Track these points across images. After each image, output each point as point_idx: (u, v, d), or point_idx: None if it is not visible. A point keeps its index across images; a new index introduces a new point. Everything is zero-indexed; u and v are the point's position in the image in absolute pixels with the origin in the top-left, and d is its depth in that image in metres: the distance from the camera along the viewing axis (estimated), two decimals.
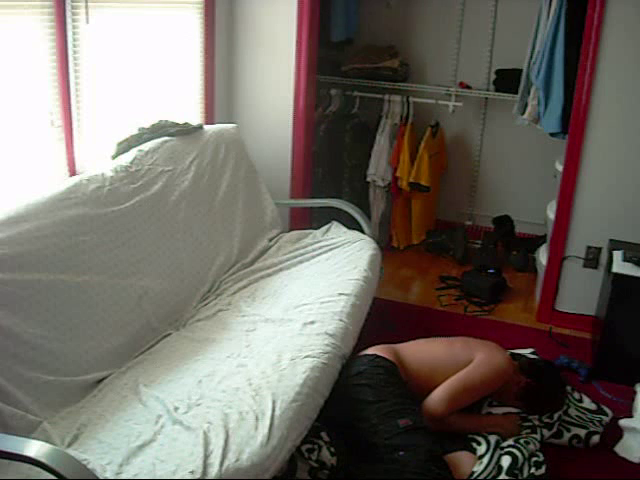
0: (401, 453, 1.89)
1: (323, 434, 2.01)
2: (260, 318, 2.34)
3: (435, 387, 2.20)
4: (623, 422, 2.42)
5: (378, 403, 2.03)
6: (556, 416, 2.33)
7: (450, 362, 2.26)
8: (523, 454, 2.05)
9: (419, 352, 2.33)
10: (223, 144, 2.96)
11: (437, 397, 2.16)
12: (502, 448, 2.08)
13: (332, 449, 1.99)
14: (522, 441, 2.12)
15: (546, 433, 2.28)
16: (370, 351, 2.26)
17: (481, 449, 2.09)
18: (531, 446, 2.11)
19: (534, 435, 2.19)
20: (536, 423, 2.26)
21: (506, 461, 2.02)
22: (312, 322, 2.26)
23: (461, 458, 2.04)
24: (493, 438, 2.13)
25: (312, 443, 1.96)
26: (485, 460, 2.03)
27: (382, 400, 2.04)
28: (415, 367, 2.26)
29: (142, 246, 2.34)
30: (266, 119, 3.49)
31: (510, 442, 2.11)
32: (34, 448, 1.39)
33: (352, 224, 3.12)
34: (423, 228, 4.21)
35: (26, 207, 2.00)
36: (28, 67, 2.26)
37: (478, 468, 1.99)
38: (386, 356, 2.22)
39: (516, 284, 3.77)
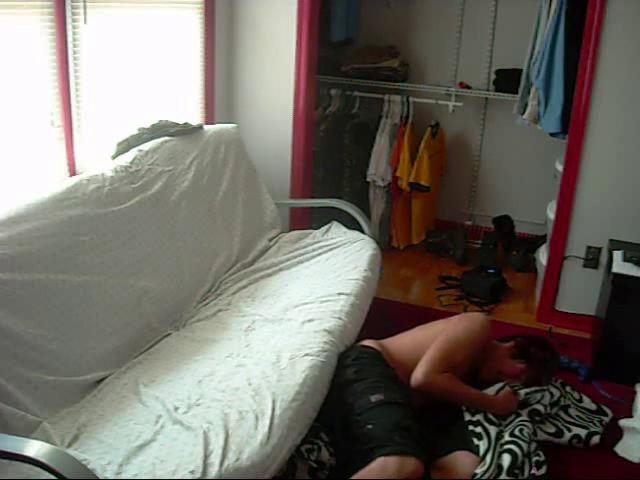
0: (369, 426, 1.89)
1: (322, 434, 2.02)
2: (260, 318, 2.34)
3: None
4: (623, 422, 2.42)
5: (356, 382, 2.05)
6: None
7: (432, 339, 2.28)
8: (522, 450, 2.04)
9: (402, 339, 2.38)
10: (223, 144, 2.96)
11: (419, 366, 2.18)
12: (501, 445, 2.07)
13: (331, 449, 1.99)
14: (517, 431, 2.11)
15: (545, 428, 2.30)
16: (358, 344, 2.30)
17: (483, 445, 2.06)
18: (526, 431, 2.12)
19: (526, 423, 2.18)
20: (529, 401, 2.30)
21: (506, 460, 2.01)
22: (311, 320, 2.26)
23: (460, 459, 2.03)
24: (493, 430, 2.10)
25: (311, 443, 1.97)
26: (487, 459, 2.01)
27: (361, 379, 2.06)
28: (399, 352, 2.28)
29: (142, 246, 2.34)
30: (266, 119, 3.49)
31: (507, 437, 2.10)
32: (34, 448, 1.39)
33: (352, 224, 3.12)
34: (423, 228, 4.21)
35: (26, 207, 2.00)
36: (28, 67, 2.26)
37: (480, 469, 1.98)
38: (372, 345, 2.26)
39: (516, 284, 3.77)
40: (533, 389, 2.32)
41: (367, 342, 2.29)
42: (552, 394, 2.43)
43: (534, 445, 2.12)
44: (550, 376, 2.44)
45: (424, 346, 2.26)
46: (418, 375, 2.16)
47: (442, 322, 2.42)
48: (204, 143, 2.87)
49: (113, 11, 2.61)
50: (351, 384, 2.05)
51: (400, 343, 2.35)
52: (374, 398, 1.97)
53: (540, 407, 2.31)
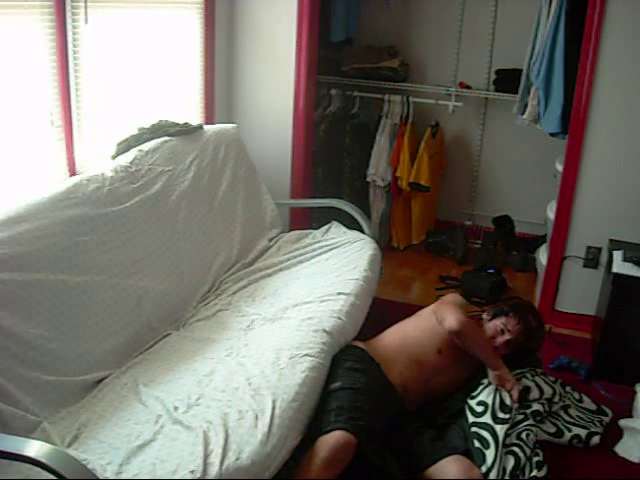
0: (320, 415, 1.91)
1: None
2: (259, 317, 2.33)
3: (409, 361, 2.24)
4: (623, 422, 2.42)
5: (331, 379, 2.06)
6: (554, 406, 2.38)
7: (420, 326, 2.35)
8: (525, 455, 2.04)
9: (387, 335, 2.37)
10: (223, 144, 2.96)
11: (447, 318, 2.27)
12: (506, 446, 2.05)
13: None
14: (524, 435, 2.10)
15: (546, 427, 2.30)
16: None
17: (489, 455, 2.01)
18: (531, 437, 2.11)
19: (532, 429, 2.17)
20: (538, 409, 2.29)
21: (509, 463, 2.00)
22: (310, 318, 2.26)
23: (449, 467, 1.94)
24: (501, 431, 2.06)
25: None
26: (490, 461, 1.99)
27: (333, 375, 2.07)
28: (385, 348, 2.28)
29: (142, 246, 2.34)
30: (266, 119, 3.49)
31: (513, 439, 2.08)
32: (34, 448, 1.38)
33: (352, 224, 3.11)
34: (423, 228, 4.21)
35: (26, 207, 2.00)
36: (28, 67, 2.26)
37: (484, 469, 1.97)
38: (358, 345, 2.27)
39: (516, 284, 3.77)
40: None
41: (354, 343, 2.30)
42: (544, 391, 2.39)
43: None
44: (539, 335, 2.44)
45: (412, 337, 2.31)
46: (453, 322, 2.25)
47: (423, 311, 2.45)
48: (204, 143, 2.87)
49: (113, 11, 2.62)
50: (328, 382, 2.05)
51: (385, 339, 2.34)
52: (332, 386, 2.00)
53: (539, 407, 2.30)
